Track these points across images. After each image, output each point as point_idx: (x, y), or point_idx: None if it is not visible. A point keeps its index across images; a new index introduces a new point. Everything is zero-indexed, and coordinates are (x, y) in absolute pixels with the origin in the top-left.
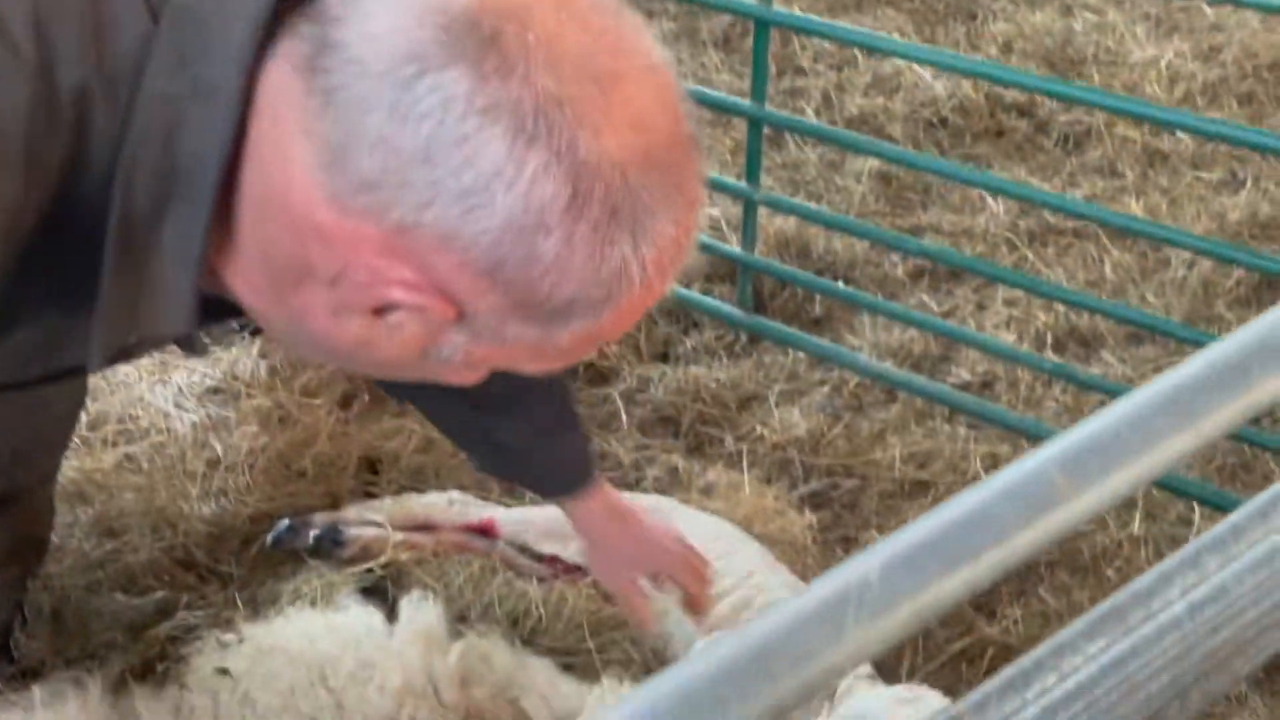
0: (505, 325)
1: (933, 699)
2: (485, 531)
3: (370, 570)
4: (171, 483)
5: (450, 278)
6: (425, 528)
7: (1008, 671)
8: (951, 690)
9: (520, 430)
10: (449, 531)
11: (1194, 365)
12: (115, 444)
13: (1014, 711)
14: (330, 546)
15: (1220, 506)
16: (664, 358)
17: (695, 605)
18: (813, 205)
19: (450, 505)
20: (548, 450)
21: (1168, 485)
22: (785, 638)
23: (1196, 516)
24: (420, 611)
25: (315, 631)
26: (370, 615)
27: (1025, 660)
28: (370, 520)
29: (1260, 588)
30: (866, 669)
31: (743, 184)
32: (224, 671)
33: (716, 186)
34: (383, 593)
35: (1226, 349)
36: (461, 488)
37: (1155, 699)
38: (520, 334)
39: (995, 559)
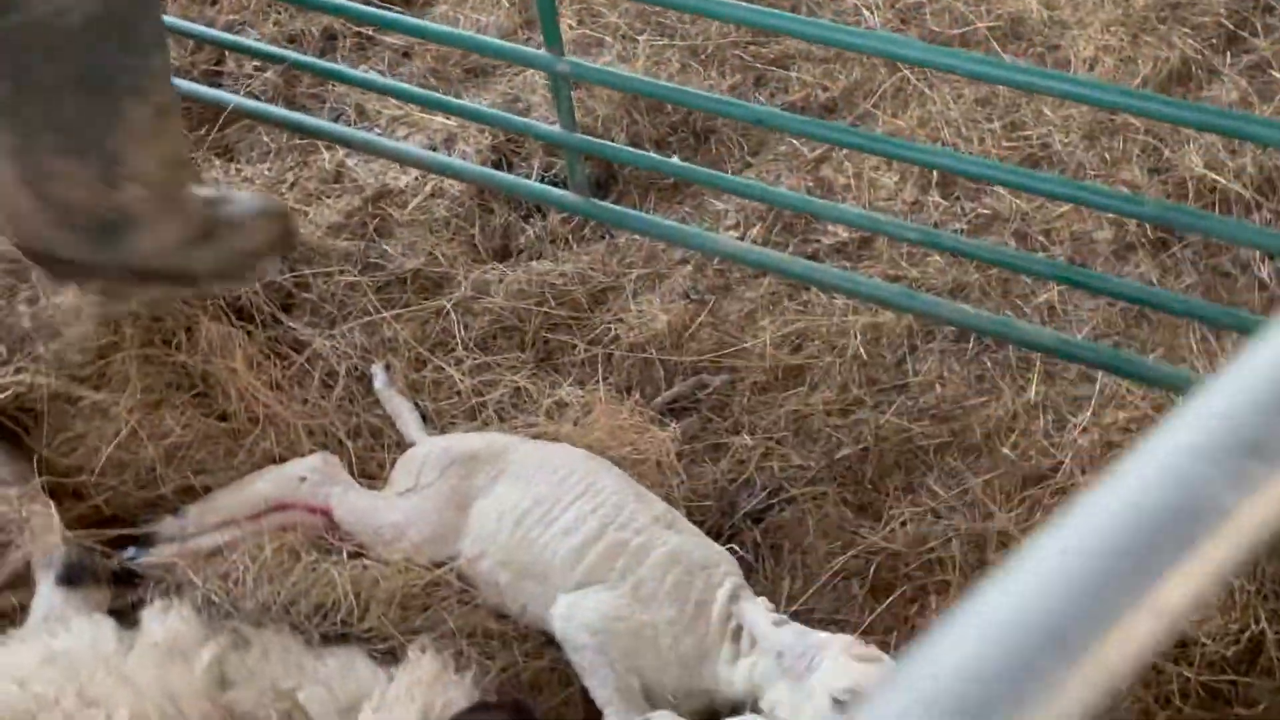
0: None
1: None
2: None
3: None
4: None
5: None
6: (279, 508)
7: None
8: (836, 612)
9: None
10: (294, 512)
11: None
12: None
13: None
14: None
15: (1117, 369)
16: (503, 253)
17: None
18: (626, 71)
19: (301, 483)
20: None
21: (1062, 352)
22: None
23: (1100, 373)
24: (159, 623)
25: (26, 667)
26: (98, 635)
27: None
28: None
29: None
30: (773, 614)
31: (542, 53)
32: None
33: (523, 63)
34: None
35: None
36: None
37: None
38: None
39: None
